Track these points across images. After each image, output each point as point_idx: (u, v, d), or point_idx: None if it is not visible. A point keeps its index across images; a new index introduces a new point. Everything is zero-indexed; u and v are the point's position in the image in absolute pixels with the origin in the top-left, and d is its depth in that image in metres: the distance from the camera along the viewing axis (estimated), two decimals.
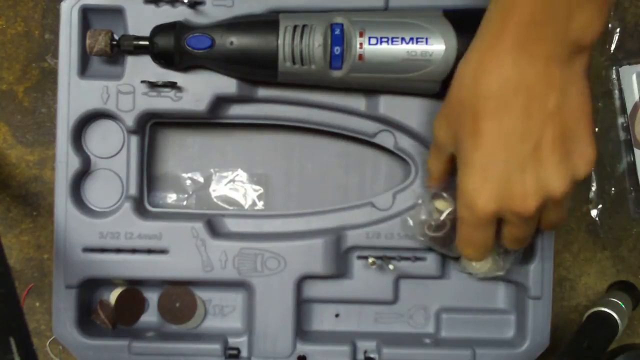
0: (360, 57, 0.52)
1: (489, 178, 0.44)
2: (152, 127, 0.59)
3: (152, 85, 0.55)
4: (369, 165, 0.62)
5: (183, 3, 0.55)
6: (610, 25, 0.65)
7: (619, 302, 0.60)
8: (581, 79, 0.44)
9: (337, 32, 0.52)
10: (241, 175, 0.63)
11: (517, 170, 0.44)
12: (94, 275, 0.57)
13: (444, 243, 0.56)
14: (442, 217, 0.55)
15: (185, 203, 0.62)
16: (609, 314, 0.59)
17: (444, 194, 0.55)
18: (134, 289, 0.61)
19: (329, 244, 0.58)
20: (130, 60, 0.56)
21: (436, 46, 0.51)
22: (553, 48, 0.42)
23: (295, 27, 0.52)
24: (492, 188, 0.45)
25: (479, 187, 0.45)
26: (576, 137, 0.44)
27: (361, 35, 0.52)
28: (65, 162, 0.57)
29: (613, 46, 0.65)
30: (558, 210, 0.47)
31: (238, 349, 0.59)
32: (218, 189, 0.63)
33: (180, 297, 0.60)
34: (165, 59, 0.54)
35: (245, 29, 0.53)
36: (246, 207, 0.63)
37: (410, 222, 0.57)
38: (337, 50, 0.52)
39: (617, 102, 0.65)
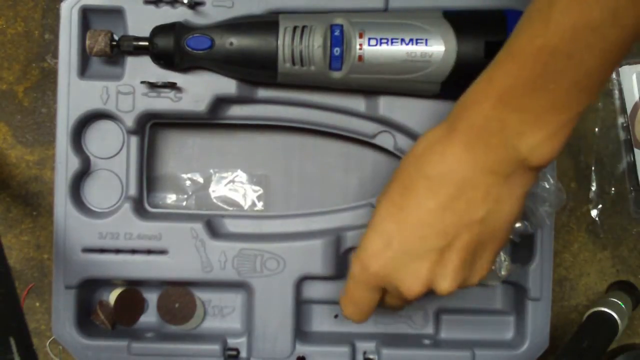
0: (360, 58, 0.52)
1: (392, 250, 0.44)
2: (151, 127, 0.59)
3: (152, 85, 0.55)
4: (369, 166, 0.62)
5: (183, 4, 0.55)
6: None
7: (619, 302, 0.60)
8: (516, 201, 0.43)
9: (337, 33, 0.52)
10: (241, 175, 0.63)
11: (419, 257, 0.44)
12: (93, 275, 0.57)
13: None
14: None
15: (184, 204, 0.63)
16: (609, 314, 0.59)
17: None
18: (133, 289, 0.61)
19: (328, 245, 0.58)
20: (130, 60, 0.56)
21: (436, 47, 0.51)
22: (498, 161, 0.41)
23: (295, 28, 0.52)
24: (390, 260, 0.45)
25: (379, 253, 0.45)
26: (483, 252, 0.45)
27: (361, 36, 0.52)
28: (65, 162, 0.57)
29: None
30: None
31: (237, 350, 0.60)
32: (218, 190, 0.63)
33: (179, 297, 0.60)
34: (165, 59, 0.54)
35: (245, 29, 0.53)
36: (246, 207, 0.63)
37: None
38: (336, 51, 0.52)
39: (617, 102, 0.65)
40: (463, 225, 0.43)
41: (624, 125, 0.65)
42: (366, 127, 0.59)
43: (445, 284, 0.44)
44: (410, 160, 0.44)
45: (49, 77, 0.63)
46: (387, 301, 0.50)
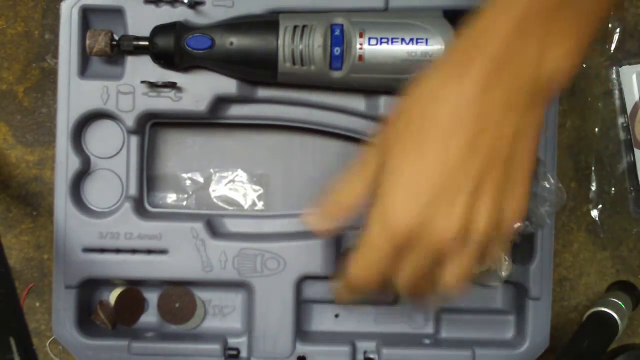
0: (360, 57, 0.52)
1: (420, 200, 0.42)
2: (152, 127, 0.59)
3: (152, 85, 0.55)
4: None
5: (183, 3, 0.55)
6: (610, 25, 0.65)
7: (619, 302, 0.60)
8: (534, 131, 0.42)
9: (337, 32, 0.52)
10: (241, 175, 0.63)
11: (449, 202, 0.42)
12: (93, 275, 0.57)
13: None
14: None
15: (185, 203, 0.62)
16: (609, 314, 0.59)
17: None
18: (133, 289, 0.61)
19: (328, 245, 0.58)
20: (130, 60, 0.56)
21: (436, 47, 0.51)
22: (516, 94, 0.40)
23: (295, 27, 0.52)
24: (416, 209, 0.42)
25: (408, 206, 0.42)
26: (514, 188, 0.43)
27: (361, 35, 0.52)
28: (65, 162, 0.57)
29: (613, 46, 0.65)
30: (463, 261, 0.44)
31: (238, 349, 0.60)
32: (218, 189, 0.63)
33: (179, 297, 0.60)
34: (165, 59, 0.54)
35: (245, 29, 0.53)
36: (246, 207, 0.63)
37: None
38: (337, 50, 0.52)
39: (617, 102, 0.65)
40: (489, 164, 0.42)
41: (624, 125, 0.65)
42: (366, 127, 0.59)
43: (482, 223, 0.42)
44: (420, 105, 0.42)
45: (49, 77, 0.63)
46: (407, 275, 0.45)
